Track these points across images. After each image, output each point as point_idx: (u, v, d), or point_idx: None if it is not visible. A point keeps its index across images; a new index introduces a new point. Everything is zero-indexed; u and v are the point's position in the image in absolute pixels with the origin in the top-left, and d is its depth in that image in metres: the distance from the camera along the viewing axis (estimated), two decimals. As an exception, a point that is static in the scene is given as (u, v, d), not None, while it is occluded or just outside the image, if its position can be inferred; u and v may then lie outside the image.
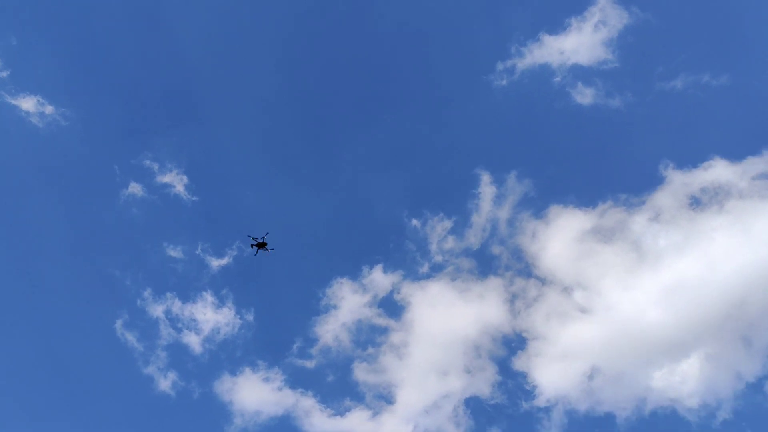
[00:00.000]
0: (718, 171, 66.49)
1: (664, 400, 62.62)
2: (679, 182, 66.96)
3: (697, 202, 66.08)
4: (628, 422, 60.75)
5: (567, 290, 66.93)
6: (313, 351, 64.81)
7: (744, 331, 61.91)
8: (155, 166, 66.84)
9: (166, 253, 65.13)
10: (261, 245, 57.27)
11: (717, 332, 62.65)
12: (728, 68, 68.31)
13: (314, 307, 66.50)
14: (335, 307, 66.36)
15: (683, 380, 62.09)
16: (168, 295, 63.85)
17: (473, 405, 65.64)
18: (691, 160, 66.94)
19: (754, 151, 65.36)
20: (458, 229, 68.69)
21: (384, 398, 64.47)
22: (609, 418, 62.51)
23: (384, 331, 67.03)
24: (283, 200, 70.57)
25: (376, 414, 63.59)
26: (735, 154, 65.87)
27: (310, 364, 64.32)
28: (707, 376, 61.32)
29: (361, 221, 70.40)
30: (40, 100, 66.47)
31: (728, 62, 69.08)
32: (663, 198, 67.01)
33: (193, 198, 66.86)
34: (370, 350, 66.08)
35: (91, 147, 68.51)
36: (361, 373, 65.21)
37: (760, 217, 64.51)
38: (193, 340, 62.85)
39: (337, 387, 64.27)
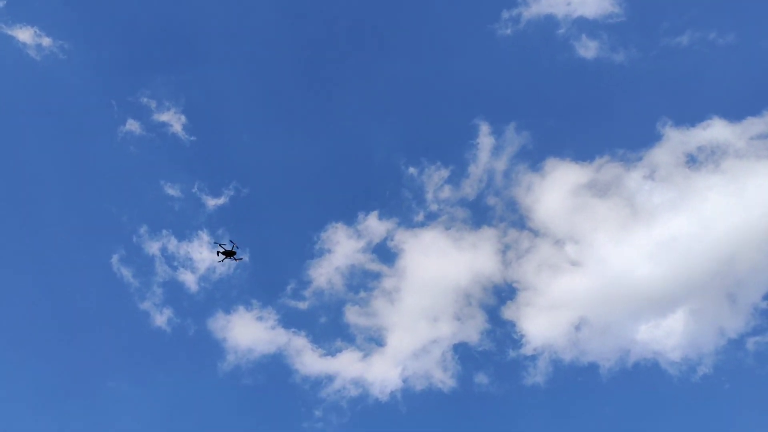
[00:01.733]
0: (717, 130, 66.46)
1: (647, 352, 64.22)
2: (677, 140, 66.98)
3: (693, 161, 66.28)
4: (611, 373, 62.36)
5: (559, 243, 67.70)
6: (307, 293, 65.86)
7: (731, 289, 63.08)
8: (153, 104, 66.41)
9: (163, 191, 65.38)
10: (228, 253, 55.73)
11: (704, 289, 63.81)
12: (735, 27, 67.49)
13: (309, 250, 67.24)
14: (329, 251, 67.10)
15: (668, 334, 63.47)
16: (164, 232, 64.39)
17: (461, 351, 67.13)
18: (689, 118, 66.80)
19: (755, 111, 65.20)
20: (455, 179, 68.94)
21: (374, 341, 65.91)
22: (593, 368, 64.14)
23: (377, 276, 68.00)
24: (280, 143, 70.46)
25: (366, 355, 65.12)
26: (734, 114, 65.72)
27: (303, 306, 65.45)
28: (691, 330, 62.66)
29: (358, 167, 70.51)
30: (38, 31, 65.45)
31: (736, 21, 68.21)
32: (660, 155, 67.15)
33: (191, 138, 66.69)
34: (363, 294, 67.19)
35: (89, 82, 67.85)
36: (352, 315, 66.43)
37: (756, 177, 64.91)
38: (189, 279, 63.70)
39: (328, 328, 65.59)
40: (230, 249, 55.21)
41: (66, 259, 64.74)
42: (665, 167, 66.93)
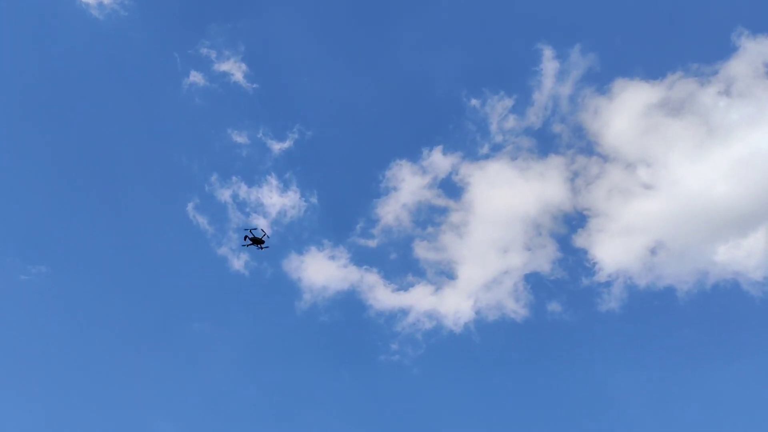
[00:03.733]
0: (800, 36, 62.17)
1: (727, 273, 62.55)
2: (754, 50, 63.04)
3: (774, 71, 62.44)
4: (689, 295, 61.19)
5: (631, 166, 65.79)
6: (375, 231, 66.77)
7: (816, 204, 60.25)
8: (213, 54, 67.16)
9: (230, 138, 66.76)
10: (256, 241, 55.30)
11: (787, 205, 61.14)
12: None
13: (375, 189, 67.78)
14: (395, 189, 67.45)
15: (749, 254, 61.51)
16: (234, 179, 66.07)
17: (533, 281, 67.14)
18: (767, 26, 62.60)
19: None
20: (519, 108, 67.43)
21: (445, 274, 66.58)
22: (669, 292, 63.09)
23: (444, 211, 68.11)
24: (340, 84, 70.31)
25: (438, 289, 65.98)
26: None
27: (372, 243, 66.49)
28: (774, 249, 60.49)
29: (419, 102, 69.82)
30: (97, -10, 66.71)
31: None
32: (736, 67, 63.52)
33: (253, 85, 67.36)
34: (431, 230, 67.58)
35: (151, 37, 69.04)
36: (422, 251, 67.09)
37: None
38: (261, 223, 65.50)
39: (399, 264, 66.60)
40: (259, 237, 55.66)
41: (145, 209, 67.53)
42: (742, 80, 63.33)
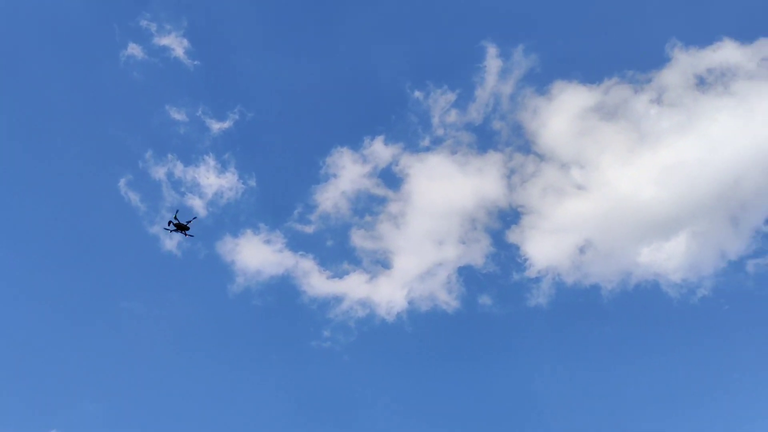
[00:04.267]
0: (727, 52, 65.13)
1: (648, 274, 65.26)
2: (686, 62, 65.79)
3: (702, 83, 65.28)
4: (612, 294, 63.56)
5: (565, 167, 67.64)
6: (313, 217, 66.53)
7: (734, 211, 63.44)
8: (153, 27, 65.24)
9: (168, 115, 65.12)
10: (181, 227, 53.60)
11: (707, 212, 64.15)
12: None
13: (314, 175, 67.48)
14: (335, 176, 67.34)
15: (669, 257, 64.28)
16: (169, 156, 64.55)
17: (466, 273, 68.32)
18: (699, 39, 65.37)
19: (767, 32, 63.70)
20: (461, 103, 68.29)
21: (381, 263, 67.05)
22: (594, 290, 65.35)
23: (382, 201, 68.49)
24: (285, 67, 69.53)
25: (372, 278, 66.38)
26: (746, 35, 64.28)
27: (309, 229, 66.24)
28: (693, 253, 63.37)
29: (363, 91, 69.77)
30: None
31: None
32: (668, 77, 66.11)
33: (194, 62, 65.84)
34: (368, 218, 67.87)
35: (90, 6, 66.52)
36: (358, 239, 67.31)
37: (766, 99, 64.07)
38: (197, 203, 64.29)
39: (335, 251, 66.63)
40: (184, 224, 54.21)
41: (75, 183, 65.26)
42: (674, 89, 65.98)
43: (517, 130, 68.74)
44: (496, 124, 68.72)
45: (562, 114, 68.42)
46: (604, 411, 62.62)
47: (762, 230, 62.00)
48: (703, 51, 65.53)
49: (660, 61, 66.34)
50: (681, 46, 66.06)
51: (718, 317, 60.78)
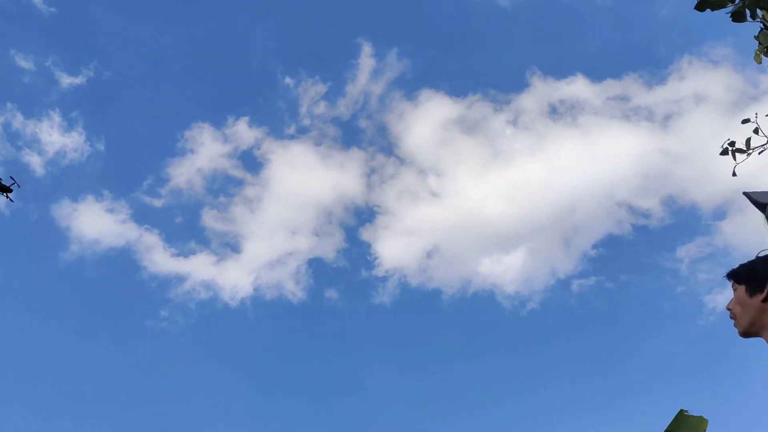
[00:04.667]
0: (579, 87, 70.57)
1: (486, 284, 68.98)
2: (543, 90, 70.49)
3: (554, 112, 70.23)
4: (452, 299, 66.38)
5: (423, 173, 69.93)
6: (163, 191, 63.59)
7: (567, 234, 68.81)
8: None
9: (12, 60, 59.38)
10: (3, 189, 48.56)
11: (545, 231, 69.07)
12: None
13: (170, 147, 64.59)
14: (192, 151, 64.84)
15: (506, 269, 68.38)
16: (9, 106, 58.92)
17: (316, 266, 68.49)
18: (557, 71, 70.32)
19: (615, 74, 69.86)
20: (331, 96, 68.36)
21: (230, 246, 65.47)
22: (436, 294, 68.04)
23: (239, 183, 66.99)
24: (153, 29, 65.91)
25: (220, 260, 64.66)
26: (597, 74, 70.16)
27: (158, 203, 63.23)
28: (528, 268, 67.89)
29: (233, 69, 67.84)
30: None
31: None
32: (525, 101, 70.46)
33: (50, 9, 60.57)
34: (222, 199, 66.06)
35: None
36: (209, 219, 65.28)
37: (606, 135, 70.15)
38: (35, 161, 59.17)
39: (183, 229, 64.15)
40: (7, 186, 49.21)
41: None
42: (528, 114, 70.42)
43: (382, 131, 70.04)
44: (363, 122, 69.55)
45: (426, 122, 70.68)
46: (432, 407, 65.40)
47: (588, 254, 67.67)
48: (558, 82, 70.52)
49: (520, 85, 70.58)
50: (540, 75, 70.61)
51: (543, 330, 65.52)
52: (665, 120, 73.88)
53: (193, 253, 63.85)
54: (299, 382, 64.37)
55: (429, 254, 71.20)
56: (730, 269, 3.41)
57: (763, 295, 3.14)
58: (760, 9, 5.13)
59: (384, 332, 67.13)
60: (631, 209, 71.04)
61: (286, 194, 69.38)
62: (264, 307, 65.70)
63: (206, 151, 65.23)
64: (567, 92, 71.45)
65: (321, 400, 63.55)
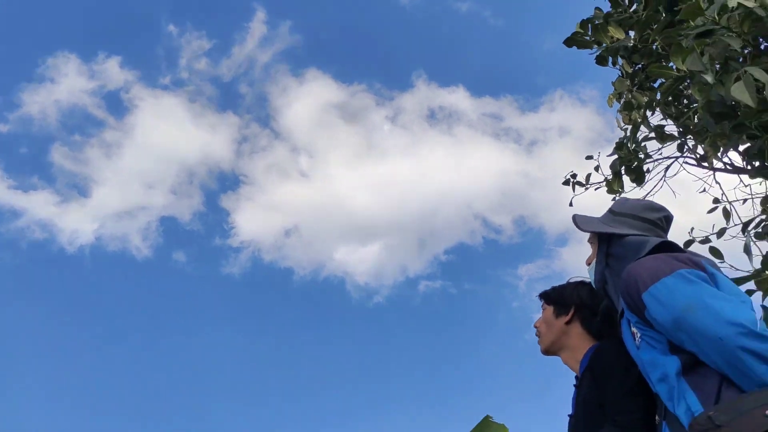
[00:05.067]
0: (459, 98, 73.25)
1: (339, 271, 69.75)
2: (424, 94, 72.44)
3: (432, 117, 72.40)
4: (302, 280, 66.39)
5: (295, 151, 69.45)
6: (12, 116, 58.22)
7: (424, 236, 71.13)
8: None
9: None
10: None
11: (404, 230, 71.02)
12: (506, 14, 74.14)
13: (28, 71, 59.24)
14: (52, 80, 59.90)
15: (360, 261, 69.68)
16: None
17: (168, 225, 66.04)
18: (442, 79, 72.51)
19: (494, 93, 73.14)
20: (214, 55, 65.90)
21: (78, 189, 61.29)
22: (288, 273, 67.88)
23: (100, 124, 62.92)
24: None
25: (64, 202, 60.31)
26: (477, 89, 73.00)
27: (3, 128, 58.00)
28: (381, 263, 69.56)
29: (113, 3, 63.51)
30: None
31: (508, 8, 74.89)
32: (407, 101, 72.07)
33: None
34: (77, 138, 61.69)
35: None
36: (59, 156, 60.78)
37: (476, 149, 73.42)
38: None
39: (27, 161, 59.08)
40: None
41: None
42: (408, 114, 72.10)
43: (262, 101, 68.73)
44: (243, 88, 67.84)
45: (308, 101, 70.27)
46: (268, 381, 65.26)
47: (439, 258, 70.43)
48: (441, 90, 72.71)
49: (405, 85, 71.87)
50: (425, 79, 72.41)
51: (385, 323, 67.32)
52: (530, 145, 78.52)
53: (35, 188, 59.01)
54: (130, 340, 61.73)
55: (288, 233, 70.73)
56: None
57: (568, 317, 3.36)
58: (621, 57, 5.55)
59: (229, 303, 65.97)
60: (486, 222, 74.79)
61: (149, 146, 66.19)
62: (104, 259, 62.24)
63: (68, 83, 60.55)
64: (447, 100, 73.94)
65: (149, 362, 61.33)
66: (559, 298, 3.47)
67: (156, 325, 64.73)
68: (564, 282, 3.60)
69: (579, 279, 3.55)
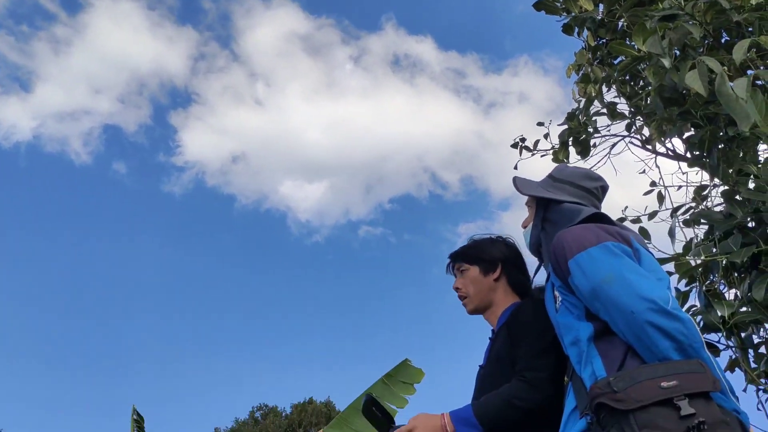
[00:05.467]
0: (426, 48, 72.50)
1: (282, 205, 69.37)
2: (392, 38, 71.33)
3: (397, 63, 71.47)
4: (244, 209, 65.92)
5: (253, 77, 67.74)
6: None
7: (371, 182, 71.27)
8: None
9: None
10: None
11: (352, 173, 70.79)
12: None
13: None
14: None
15: (305, 198, 69.40)
16: None
17: (112, 133, 63.95)
18: (411, 26, 71.45)
19: (461, 49, 72.64)
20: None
21: (20, 82, 58.70)
22: (229, 199, 67.10)
23: (50, 18, 59.80)
24: None
25: (4, 93, 57.77)
26: (444, 42, 72.30)
27: (-57, 8, 54.50)
28: (325, 202, 69.47)
29: None
30: None
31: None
32: (374, 43, 70.88)
33: None
34: (25, 29, 58.68)
35: None
36: (4, 45, 57.83)
37: (435, 102, 73.13)
38: None
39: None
40: None
41: None
42: (373, 56, 71.01)
43: (225, 20, 66.34)
44: (207, 4, 65.34)
45: (273, 27, 68.25)
46: (194, 300, 65.03)
47: (383, 206, 70.78)
48: (409, 37, 71.79)
49: (373, 26, 70.57)
50: (394, 23, 71.20)
51: (320, 263, 67.68)
52: (489, 106, 78.62)
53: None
54: (59, 241, 60.25)
55: (235, 159, 69.44)
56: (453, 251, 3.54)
57: (496, 274, 3.41)
58: (587, 29, 5.55)
59: (165, 221, 64.90)
60: (434, 177, 75.19)
61: (101, 48, 63.48)
62: (40, 158, 60.04)
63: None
64: (414, 49, 72.86)
65: (77, 264, 60.12)
66: (483, 255, 3.43)
67: (87, 231, 63.11)
68: (470, 241, 3.56)
69: (487, 235, 3.54)
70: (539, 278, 3.38)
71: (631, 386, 2.22)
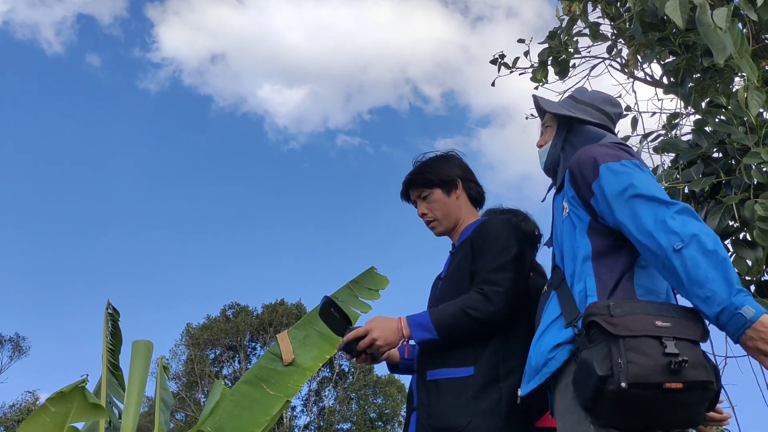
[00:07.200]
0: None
1: (259, 109, 68.32)
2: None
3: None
4: (221, 111, 64.94)
5: (235, -29, 64.95)
6: None
7: (352, 90, 70.24)
8: None
9: None
10: None
11: (334, 80, 69.55)
12: None
13: None
14: None
15: (283, 102, 68.32)
16: None
17: (86, 24, 61.84)
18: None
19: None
20: None
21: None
22: (206, 100, 65.92)
23: None
24: None
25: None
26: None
27: None
28: (304, 108, 68.53)
29: None
30: None
31: None
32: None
33: None
34: None
35: None
36: None
37: (421, 11, 71.32)
38: None
39: None
40: None
41: None
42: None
43: None
44: None
45: None
46: (165, 204, 65.00)
47: (362, 116, 70.14)
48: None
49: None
50: None
51: (296, 170, 67.27)
52: (476, 20, 76.85)
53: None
54: (28, 133, 59.15)
55: (213, 59, 67.59)
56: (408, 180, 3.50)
57: (458, 192, 3.44)
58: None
59: (139, 118, 63.73)
60: (416, 89, 74.19)
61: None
62: (9, 46, 57.86)
63: None
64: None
65: (44, 157, 59.25)
66: (442, 176, 3.41)
67: (57, 123, 61.67)
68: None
69: (432, 153, 3.50)
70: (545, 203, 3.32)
71: (628, 315, 2.32)
